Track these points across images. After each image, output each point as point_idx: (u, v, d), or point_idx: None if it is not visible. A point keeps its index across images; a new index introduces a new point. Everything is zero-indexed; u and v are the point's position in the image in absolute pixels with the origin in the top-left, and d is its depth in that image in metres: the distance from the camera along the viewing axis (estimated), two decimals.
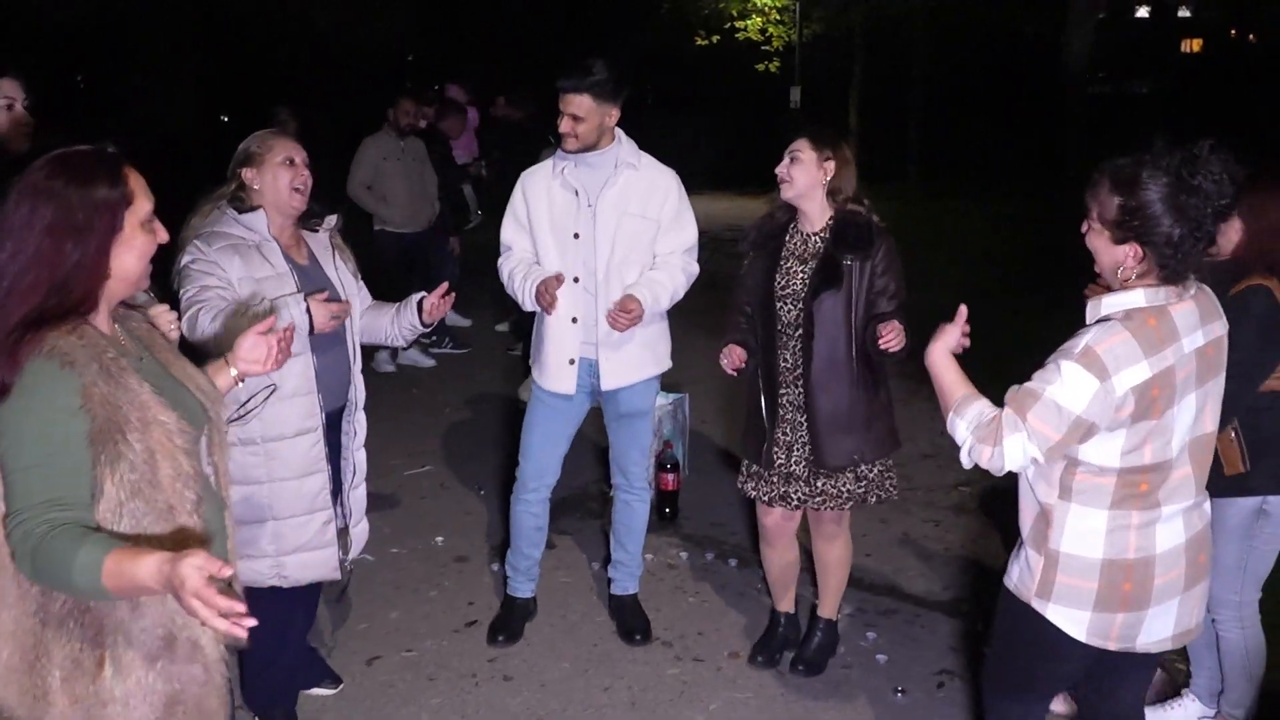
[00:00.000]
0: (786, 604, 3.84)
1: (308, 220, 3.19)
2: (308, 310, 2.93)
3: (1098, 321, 2.21)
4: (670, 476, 5.03)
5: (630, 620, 4.02)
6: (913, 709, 3.52)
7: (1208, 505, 2.40)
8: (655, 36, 21.39)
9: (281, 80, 14.49)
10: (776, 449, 3.46)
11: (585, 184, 3.62)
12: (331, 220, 3.27)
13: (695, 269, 3.76)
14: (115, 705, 1.85)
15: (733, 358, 3.41)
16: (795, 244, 3.44)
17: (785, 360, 3.42)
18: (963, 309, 2.39)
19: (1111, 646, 2.33)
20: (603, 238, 3.60)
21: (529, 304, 3.65)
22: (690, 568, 4.55)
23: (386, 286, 4.31)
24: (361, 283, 3.34)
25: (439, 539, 4.80)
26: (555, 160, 3.67)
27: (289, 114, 7.68)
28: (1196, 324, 2.22)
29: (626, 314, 3.50)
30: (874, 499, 3.48)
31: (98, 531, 1.75)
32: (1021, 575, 2.40)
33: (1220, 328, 2.29)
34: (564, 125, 3.56)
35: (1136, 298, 2.20)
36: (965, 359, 2.43)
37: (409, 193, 7.25)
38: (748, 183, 16.38)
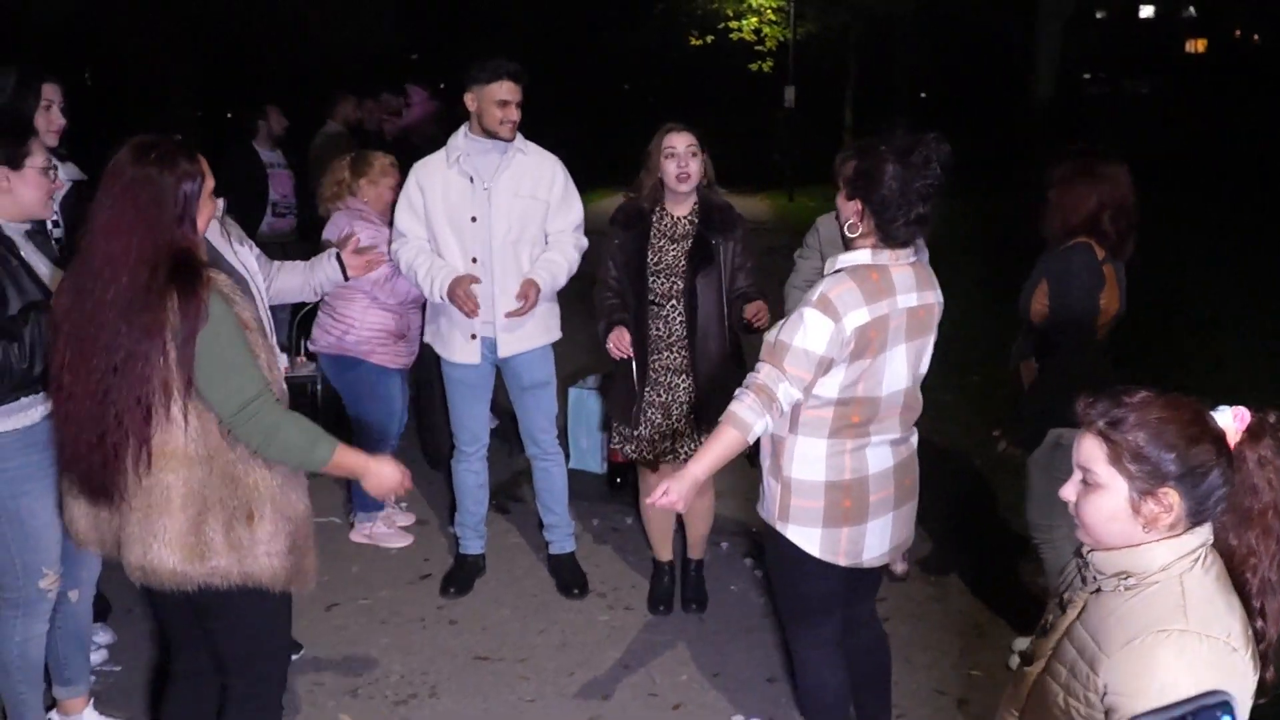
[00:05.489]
0: (668, 553, 4.24)
1: None
2: (339, 260, 3.51)
3: (833, 273, 2.60)
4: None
5: (568, 576, 4.37)
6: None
7: (914, 439, 2.83)
8: (650, 36, 21.77)
9: (274, 79, 14.86)
10: (652, 410, 3.85)
11: (479, 170, 3.95)
12: (219, 204, 3.47)
13: (584, 242, 4.13)
14: (262, 545, 2.45)
15: (622, 344, 3.77)
16: (665, 225, 3.84)
17: (658, 329, 3.82)
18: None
19: (841, 562, 2.70)
20: (498, 219, 3.93)
21: (436, 296, 3.94)
22: (634, 532, 4.90)
23: None
24: (254, 246, 3.51)
25: (403, 504, 5.16)
26: (449, 150, 4.00)
27: (279, 114, 7.33)
28: (912, 287, 2.61)
29: (525, 300, 3.86)
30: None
31: (319, 427, 2.51)
32: (767, 503, 2.77)
33: (933, 297, 2.69)
34: (510, 113, 3.89)
35: (864, 256, 2.59)
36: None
37: None
38: (739, 180, 16.76)
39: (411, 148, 7.46)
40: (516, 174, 3.97)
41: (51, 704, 3.34)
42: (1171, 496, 1.63)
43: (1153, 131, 21.98)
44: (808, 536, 2.69)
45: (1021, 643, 3.76)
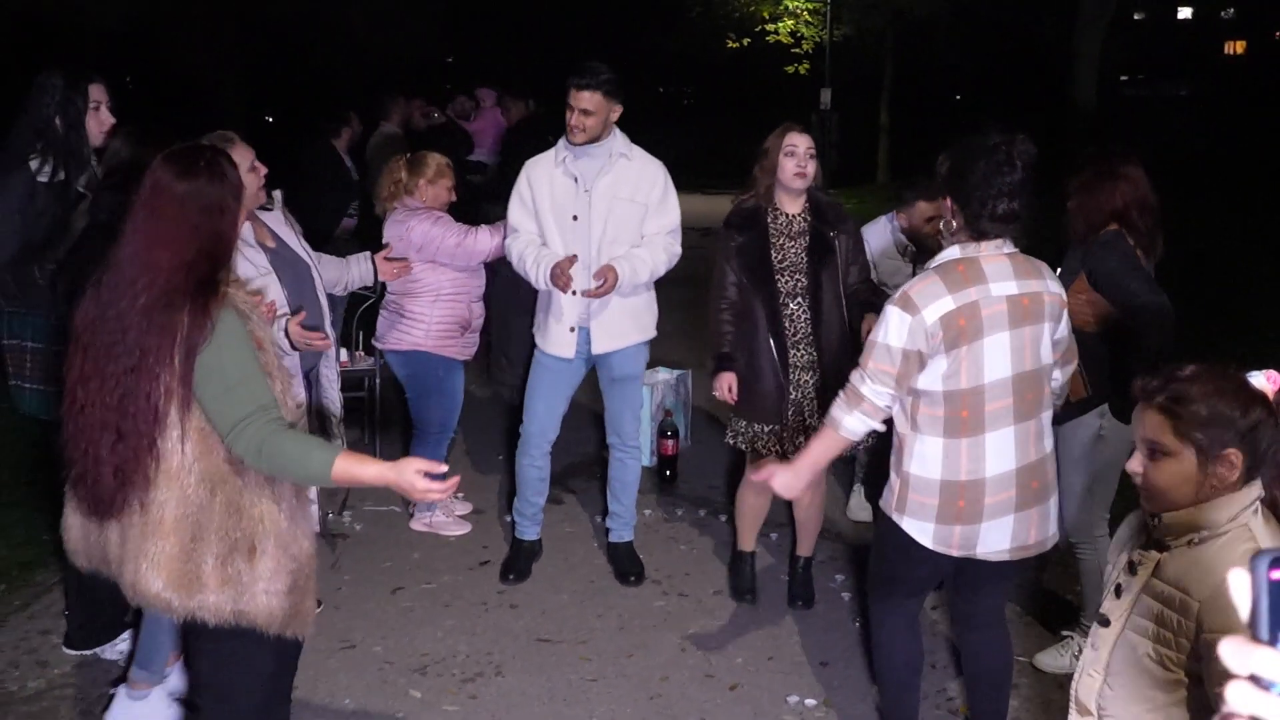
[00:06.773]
0: (752, 544, 4.34)
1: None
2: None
3: (922, 272, 2.72)
4: (670, 442, 5.51)
5: (625, 564, 4.50)
6: (869, 636, 3.98)
7: (1048, 442, 2.83)
8: (686, 39, 21.87)
9: (318, 82, 15.10)
10: (792, 408, 3.91)
11: (583, 172, 4.10)
12: (278, 196, 3.59)
13: (678, 250, 4.22)
14: (261, 583, 2.32)
15: (723, 391, 3.91)
16: (781, 223, 3.93)
17: (786, 326, 3.90)
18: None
19: (954, 553, 2.80)
20: (596, 219, 4.08)
21: (541, 284, 4.10)
22: (685, 522, 5.04)
23: None
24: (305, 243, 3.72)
25: (459, 495, 5.31)
26: (557, 151, 4.16)
27: (355, 118, 7.66)
28: (1010, 275, 2.68)
29: (600, 281, 3.96)
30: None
31: (318, 436, 2.31)
32: (887, 495, 2.89)
33: (1039, 285, 2.74)
34: (574, 119, 4.03)
35: (954, 252, 2.71)
36: None
37: None
38: None
39: (455, 145, 7.70)
40: (617, 177, 4.09)
41: (119, 680, 3.52)
42: (1236, 456, 1.80)
43: (1192, 134, 21.85)
44: (922, 530, 2.79)
45: (1042, 659, 3.77)
